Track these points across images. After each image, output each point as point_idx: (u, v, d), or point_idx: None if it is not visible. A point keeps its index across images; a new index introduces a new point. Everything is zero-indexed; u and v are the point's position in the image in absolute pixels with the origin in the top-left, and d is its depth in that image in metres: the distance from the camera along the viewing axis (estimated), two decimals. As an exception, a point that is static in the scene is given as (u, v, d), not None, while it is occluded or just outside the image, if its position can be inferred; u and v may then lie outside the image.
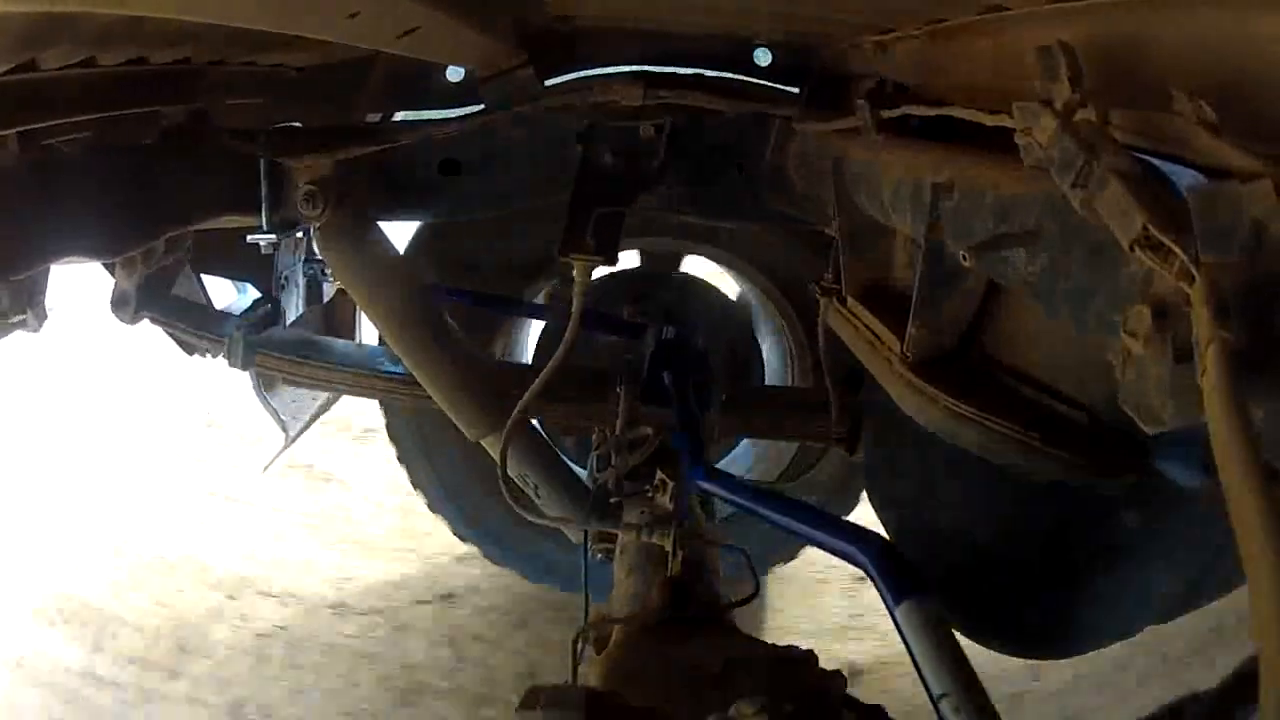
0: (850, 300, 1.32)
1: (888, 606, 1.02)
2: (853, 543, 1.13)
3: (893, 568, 1.06)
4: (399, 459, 2.36)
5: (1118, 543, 1.11)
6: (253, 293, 2.09)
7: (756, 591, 1.24)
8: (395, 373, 1.89)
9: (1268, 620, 0.41)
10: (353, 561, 2.82)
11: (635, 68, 1.61)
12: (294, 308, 2.15)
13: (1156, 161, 0.63)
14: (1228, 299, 0.50)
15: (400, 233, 1.96)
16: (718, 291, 2.48)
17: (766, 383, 2.47)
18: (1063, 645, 1.34)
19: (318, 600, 2.64)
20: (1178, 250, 0.53)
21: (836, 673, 1.02)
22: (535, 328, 2.54)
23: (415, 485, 2.39)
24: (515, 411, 1.64)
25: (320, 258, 2.16)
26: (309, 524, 3.01)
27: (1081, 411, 0.91)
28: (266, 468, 2.43)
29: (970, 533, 1.30)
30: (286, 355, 1.92)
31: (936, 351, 1.06)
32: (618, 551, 1.46)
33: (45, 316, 1.38)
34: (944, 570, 1.35)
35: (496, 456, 1.78)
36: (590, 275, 1.61)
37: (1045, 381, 0.97)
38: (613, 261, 1.61)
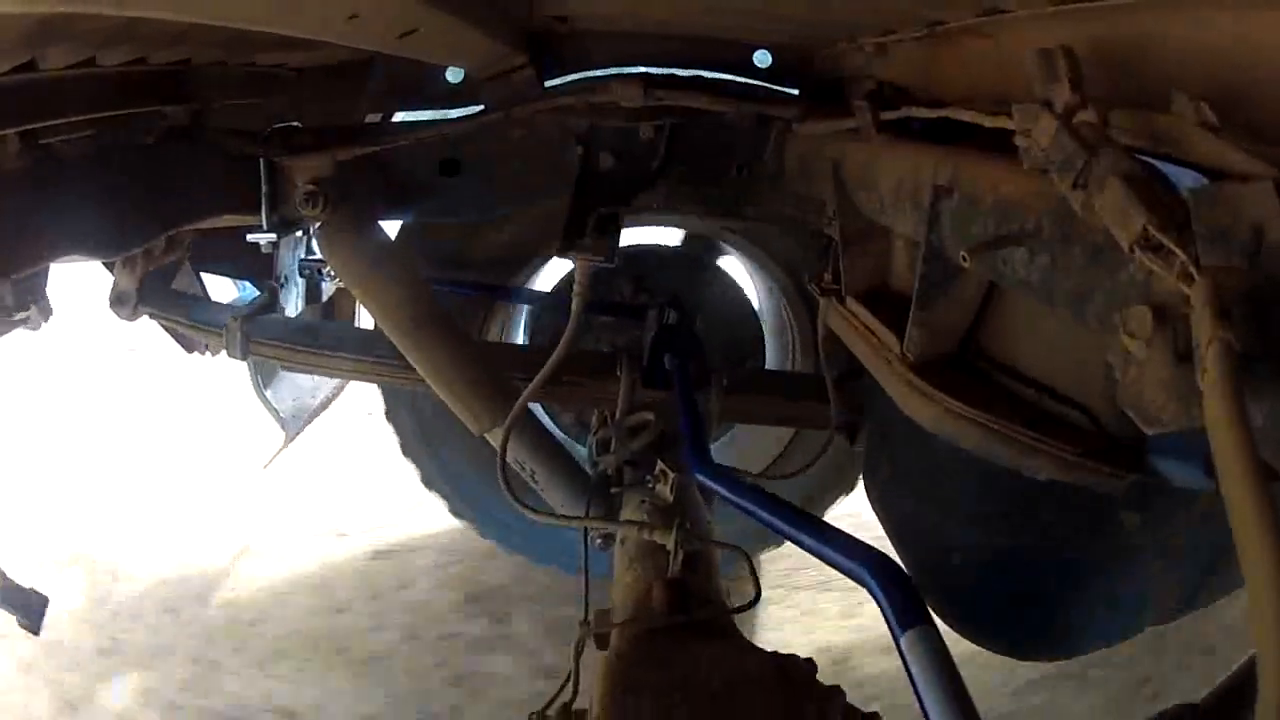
0: (850, 300, 1.32)
1: (892, 633, 1.02)
2: (861, 563, 1.12)
3: (900, 595, 1.05)
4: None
5: (1118, 543, 1.11)
6: (252, 291, 2.09)
7: (758, 596, 1.21)
8: (393, 357, 1.88)
9: (1266, 621, 0.41)
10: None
11: (635, 69, 1.62)
12: (293, 307, 2.15)
13: (1156, 162, 0.63)
14: (1228, 300, 0.50)
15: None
16: (720, 272, 2.48)
17: (767, 366, 2.46)
18: (1063, 646, 1.34)
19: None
20: (1178, 251, 0.53)
21: (835, 687, 1.01)
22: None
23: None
24: (515, 407, 1.63)
25: (319, 257, 2.16)
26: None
27: (1081, 411, 0.92)
28: (267, 466, 2.42)
29: (971, 533, 1.30)
30: (283, 342, 1.91)
31: (936, 352, 1.06)
32: (618, 541, 1.42)
33: (50, 312, 1.38)
34: (945, 571, 1.36)
35: (500, 449, 1.78)
36: (589, 275, 1.61)
37: (1045, 382, 0.97)
38: (612, 262, 1.61)
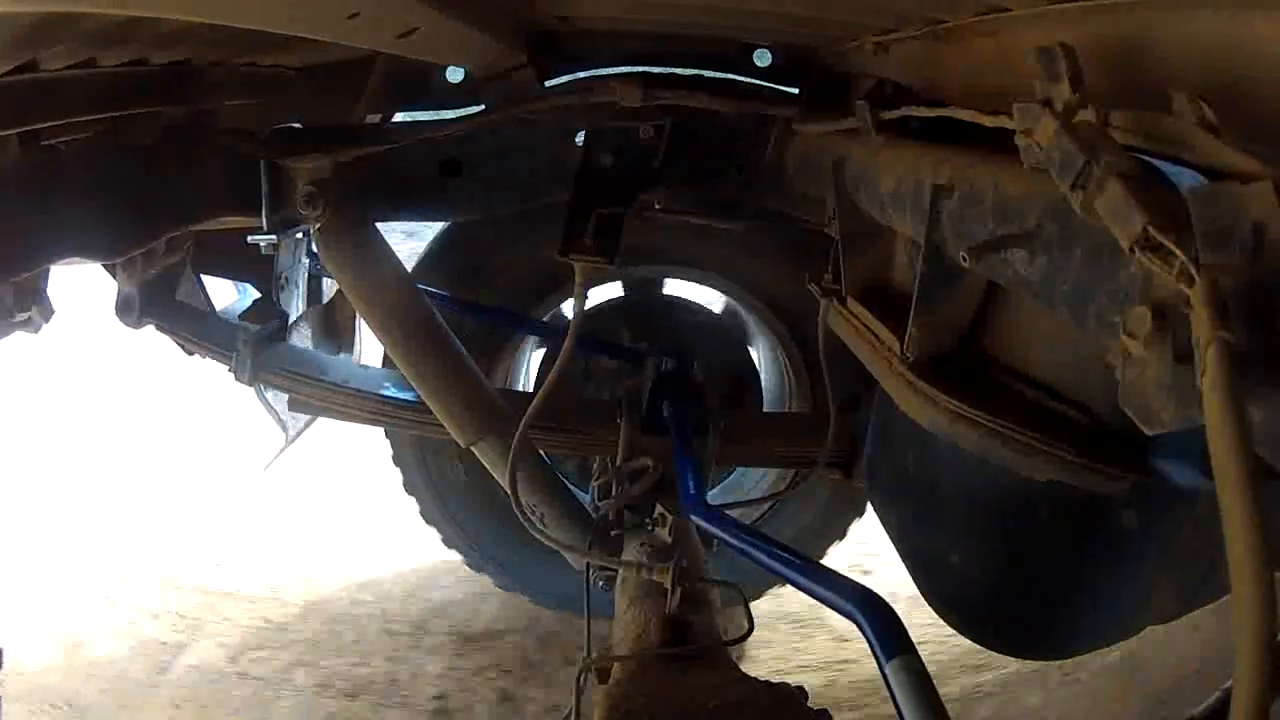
0: (850, 300, 1.32)
1: (878, 662, 1.04)
2: (846, 597, 1.15)
3: (884, 626, 1.08)
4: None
5: (1117, 543, 1.11)
6: (253, 293, 2.08)
7: (751, 629, 1.27)
8: (401, 399, 1.89)
9: (1246, 622, 0.41)
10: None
11: (635, 68, 1.61)
12: (294, 308, 2.15)
13: (1157, 162, 0.63)
14: (1228, 300, 0.50)
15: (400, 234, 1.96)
16: (713, 315, 2.48)
17: (765, 407, 2.46)
18: (1061, 645, 1.34)
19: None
20: (1178, 251, 0.53)
21: (824, 711, 1.05)
22: (536, 358, 2.53)
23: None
24: (523, 422, 1.63)
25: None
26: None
27: (1081, 412, 0.92)
28: (267, 467, 2.42)
29: (971, 534, 1.30)
30: (292, 374, 1.92)
31: (936, 351, 1.06)
32: (619, 582, 1.48)
33: (50, 314, 1.38)
34: (945, 571, 1.36)
35: (487, 463, 1.78)
36: (590, 277, 1.61)
37: (1045, 381, 0.97)
38: (612, 263, 1.61)
